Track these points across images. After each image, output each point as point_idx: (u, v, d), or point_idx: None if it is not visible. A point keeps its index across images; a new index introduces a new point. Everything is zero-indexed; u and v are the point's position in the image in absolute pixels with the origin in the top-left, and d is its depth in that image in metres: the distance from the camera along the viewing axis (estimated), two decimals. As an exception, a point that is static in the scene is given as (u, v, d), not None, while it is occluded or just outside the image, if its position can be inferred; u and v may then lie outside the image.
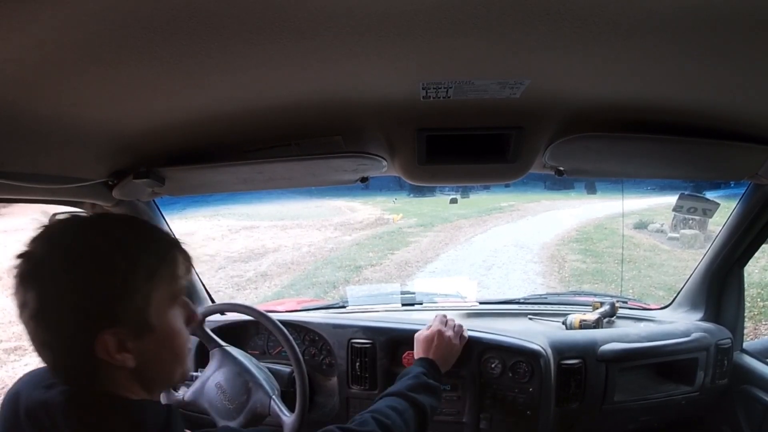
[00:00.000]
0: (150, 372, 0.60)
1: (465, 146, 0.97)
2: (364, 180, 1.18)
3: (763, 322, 4.51)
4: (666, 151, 1.00)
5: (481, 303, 1.75)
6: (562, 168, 1.10)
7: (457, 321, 1.27)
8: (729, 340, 1.40)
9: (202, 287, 1.64)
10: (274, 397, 1.25)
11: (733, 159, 1.03)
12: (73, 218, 0.59)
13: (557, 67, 0.66)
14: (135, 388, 0.59)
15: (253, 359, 1.34)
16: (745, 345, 1.47)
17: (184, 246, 0.64)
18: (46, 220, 0.57)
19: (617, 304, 1.60)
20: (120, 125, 0.82)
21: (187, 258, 0.64)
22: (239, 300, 4.43)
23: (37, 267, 0.54)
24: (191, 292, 1.59)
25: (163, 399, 1.32)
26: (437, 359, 1.14)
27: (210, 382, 1.27)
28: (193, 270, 0.63)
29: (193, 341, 1.45)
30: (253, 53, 0.58)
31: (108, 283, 0.54)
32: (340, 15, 0.50)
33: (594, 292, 3.08)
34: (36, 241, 0.56)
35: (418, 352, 1.19)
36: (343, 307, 1.73)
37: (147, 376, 0.60)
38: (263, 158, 0.99)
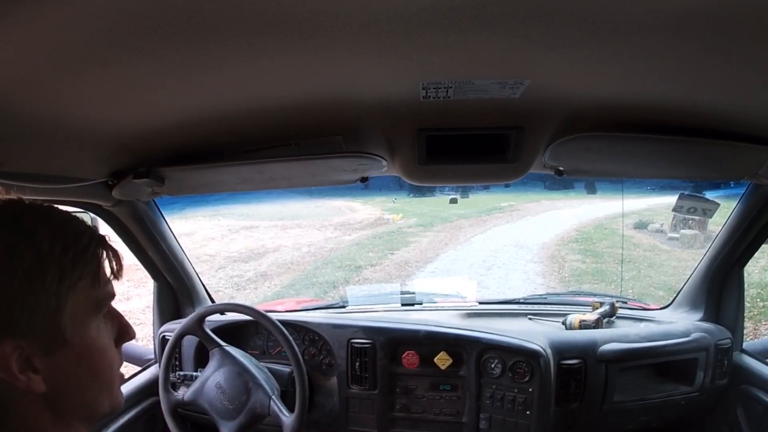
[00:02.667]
0: (65, 400, 0.47)
1: (465, 146, 0.97)
2: (363, 180, 1.18)
3: (763, 322, 4.51)
4: (666, 151, 1.00)
5: (480, 303, 1.75)
6: (562, 168, 1.10)
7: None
8: (729, 340, 1.40)
9: (202, 287, 1.64)
10: (273, 397, 1.25)
11: (733, 159, 1.03)
12: None
13: (557, 67, 0.66)
14: (47, 422, 0.46)
15: (253, 359, 1.34)
16: (744, 345, 1.47)
17: (111, 243, 0.52)
18: None
19: (617, 305, 1.60)
20: (120, 125, 0.82)
21: (116, 258, 0.52)
22: (239, 300, 4.44)
23: None
24: (191, 292, 1.59)
25: (163, 399, 1.32)
26: None
27: (210, 382, 1.27)
28: (122, 274, 0.53)
29: (193, 341, 1.45)
30: (253, 53, 0.58)
31: (7, 281, 0.43)
32: (340, 15, 0.50)
33: (594, 292, 3.09)
34: None
35: None
36: (343, 307, 1.73)
37: (62, 406, 0.47)
38: (263, 158, 0.99)
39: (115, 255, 0.52)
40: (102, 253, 0.50)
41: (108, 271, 0.51)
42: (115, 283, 0.52)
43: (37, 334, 0.44)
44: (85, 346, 0.48)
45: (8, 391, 0.44)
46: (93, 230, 0.51)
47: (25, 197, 0.50)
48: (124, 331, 0.54)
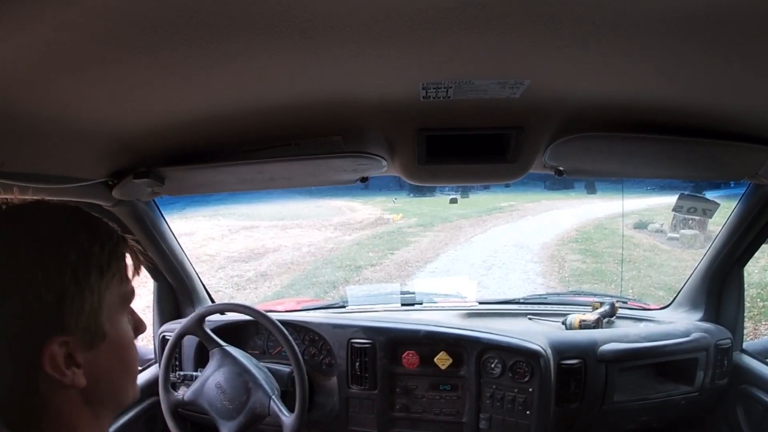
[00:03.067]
0: (101, 392, 0.49)
1: (465, 146, 0.97)
2: (364, 180, 1.18)
3: (763, 322, 4.51)
4: (666, 151, 1.00)
5: (480, 303, 1.75)
6: (562, 168, 1.10)
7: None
8: (729, 340, 1.40)
9: (202, 287, 1.64)
10: (273, 397, 1.25)
11: (733, 159, 1.03)
12: (9, 206, 0.48)
13: (557, 67, 0.66)
14: (82, 416, 0.48)
15: (253, 359, 1.34)
16: (744, 345, 1.47)
17: (132, 243, 0.56)
18: None
19: (617, 304, 1.60)
20: (120, 125, 0.82)
21: (136, 256, 0.55)
22: (239, 300, 4.44)
23: None
24: (191, 292, 1.59)
25: (163, 399, 1.32)
26: None
27: (210, 382, 1.27)
28: (140, 270, 0.56)
29: (193, 341, 1.45)
30: (253, 53, 0.58)
31: (57, 279, 0.45)
32: (340, 15, 0.50)
33: (594, 292, 3.09)
34: None
35: None
36: (343, 307, 1.73)
37: (97, 398, 0.49)
38: (263, 158, 0.99)
39: (135, 252, 0.55)
40: (125, 251, 0.53)
41: (131, 268, 0.54)
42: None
43: (82, 330, 0.46)
44: (118, 339, 0.50)
45: (50, 388, 0.45)
46: (117, 230, 0.54)
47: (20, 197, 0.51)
48: (138, 325, 0.56)
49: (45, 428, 0.46)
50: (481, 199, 11.95)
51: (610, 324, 1.56)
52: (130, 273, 0.54)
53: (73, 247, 0.47)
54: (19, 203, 0.49)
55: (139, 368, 1.53)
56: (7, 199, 0.49)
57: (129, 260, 0.54)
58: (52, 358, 0.44)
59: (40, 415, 0.46)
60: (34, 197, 0.51)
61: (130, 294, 0.53)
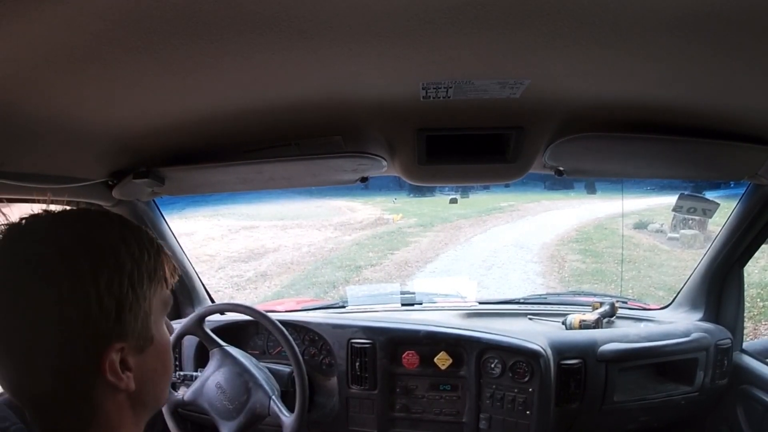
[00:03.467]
0: (145, 395, 0.51)
1: (465, 146, 0.97)
2: (363, 180, 1.18)
3: (763, 322, 4.51)
4: (666, 151, 1.00)
5: (480, 303, 1.75)
6: (562, 168, 1.10)
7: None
8: (729, 340, 1.40)
9: (202, 287, 1.64)
10: (273, 397, 1.25)
11: (733, 159, 1.03)
12: (58, 212, 0.51)
13: (557, 67, 0.66)
14: (127, 418, 0.50)
15: (253, 359, 1.34)
16: (744, 345, 1.47)
17: (166, 251, 0.57)
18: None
19: (617, 304, 1.60)
20: (120, 125, 0.82)
21: (171, 263, 0.56)
22: (239, 300, 4.43)
23: (21, 269, 0.44)
24: (191, 292, 1.59)
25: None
26: None
27: (210, 382, 1.27)
28: (176, 277, 0.57)
29: (193, 341, 1.45)
30: (253, 53, 0.58)
31: (117, 286, 0.46)
32: (340, 15, 0.50)
33: (594, 292, 3.08)
34: (13, 240, 0.45)
35: None
36: (343, 307, 1.73)
37: (141, 401, 0.51)
38: (263, 158, 0.99)
39: (169, 259, 0.56)
40: (164, 258, 0.55)
41: (169, 274, 0.55)
42: None
43: (136, 336, 0.48)
44: (162, 343, 0.53)
45: (102, 392, 0.47)
46: (156, 238, 0.55)
47: (30, 198, 0.52)
48: (169, 328, 0.58)
49: (97, 429, 0.47)
50: (481, 199, 11.95)
51: (610, 324, 1.56)
52: (168, 279, 0.55)
53: (128, 255, 0.48)
54: (64, 211, 0.52)
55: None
56: (45, 201, 0.52)
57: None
58: (111, 363, 0.46)
59: (89, 420, 0.47)
60: (80, 208, 0.53)
61: (169, 299, 0.55)
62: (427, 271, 7.08)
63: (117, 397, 0.48)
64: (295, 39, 0.54)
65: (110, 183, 1.04)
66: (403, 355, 1.35)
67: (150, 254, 0.51)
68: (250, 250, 8.49)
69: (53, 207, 0.52)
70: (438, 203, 11.75)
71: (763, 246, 1.40)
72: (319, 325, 1.44)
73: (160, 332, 0.53)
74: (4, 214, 0.48)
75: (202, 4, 0.46)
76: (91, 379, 0.46)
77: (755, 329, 4.36)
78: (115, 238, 0.49)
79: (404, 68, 0.65)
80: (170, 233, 1.45)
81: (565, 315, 1.56)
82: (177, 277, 0.57)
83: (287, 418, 1.22)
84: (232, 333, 1.47)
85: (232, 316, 1.48)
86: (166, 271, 0.54)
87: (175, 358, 1.45)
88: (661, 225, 8.37)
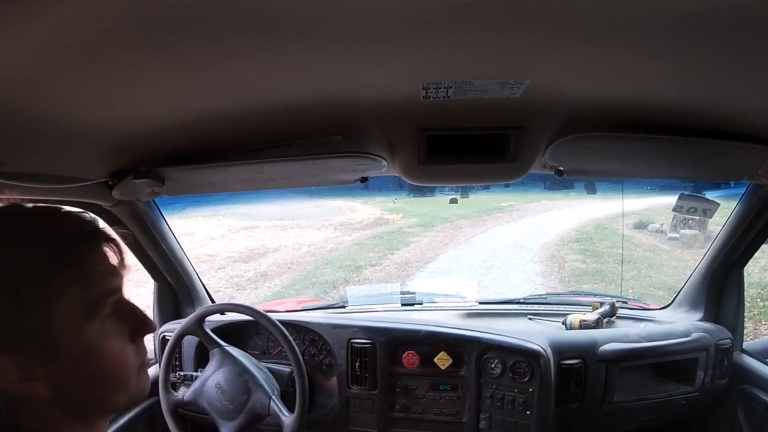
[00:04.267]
0: (75, 400, 0.46)
1: (465, 146, 0.97)
2: (363, 180, 1.18)
3: (763, 322, 4.51)
4: (666, 151, 1.00)
5: (480, 303, 1.75)
6: (562, 168, 1.10)
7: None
8: (729, 340, 1.40)
9: (202, 287, 1.64)
10: (273, 397, 1.25)
11: (733, 159, 1.03)
12: None
13: (557, 67, 0.66)
14: (64, 420, 0.45)
15: (253, 359, 1.34)
16: (744, 345, 1.47)
17: (108, 234, 0.48)
18: None
19: (617, 304, 1.60)
20: (120, 125, 0.82)
21: (114, 249, 0.48)
22: (239, 300, 4.43)
23: None
24: (191, 292, 1.59)
25: (163, 399, 1.32)
26: None
27: (210, 382, 1.27)
28: (126, 264, 0.49)
29: (193, 341, 1.45)
30: (253, 53, 0.58)
31: None
32: (340, 15, 0.50)
33: (594, 292, 3.08)
34: None
35: None
36: (343, 307, 1.73)
37: (74, 405, 0.46)
38: (263, 158, 0.99)
39: (113, 245, 0.48)
40: (94, 249, 0.46)
41: (104, 264, 0.47)
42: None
43: (31, 347, 0.42)
44: (82, 353, 0.45)
45: (19, 396, 0.43)
46: (81, 226, 0.47)
47: (30, 198, 0.49)
48: (140, 325, 0.50)
49: (31, 426, 0.44)
50: (481, 199, 11.96)
51: (610, 324, 1.56)
52: (104, 271, 0.47)
53: (3, 260, 0.41)
54: None
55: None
56: (44, 201, 0.46)
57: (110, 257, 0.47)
58: (1, 373, 0.42)
59: (20, 416, 0.44)
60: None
61: (101, 298, 0.46)
62: (427, 271, 7.09)
63: (31, 401, 0.44)
64: (295, 39, 0.54)
65: (110, 183, 1.04)
66: (403, 355, 1.35)
67: (44, 252, 0.43)
68: (250, 250, 8.49)
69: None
70: (438, 203, 11.76)
71: (763, 246, 1.40)
72: (319, 325, 1.44)
73: (80, 339, 0.44)
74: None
75: (202, 4, 0.46)
76: None
77: (755, 329, 4.36)
78: (7, 228, 0.43)
79: (404, 68, 0.65)
80: (170, 233, 1.45)
81: (565, 315, 1.56)
82: (126, 272, 0.49)
83: (287, 418, 1.22)
84: (232, 333, 1.47)
85: (232, 316, 1.48)
86: (91, 267, 0.46)
87: (175, 359, 1.45)
88: (661, 225, 8.37)
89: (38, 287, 0.42)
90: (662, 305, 1.67)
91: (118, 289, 0.48)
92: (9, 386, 0.42)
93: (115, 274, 0.48)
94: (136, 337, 0.50)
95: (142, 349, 0.51)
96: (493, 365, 1.30)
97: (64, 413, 0.45)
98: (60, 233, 0.45)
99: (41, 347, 0.43)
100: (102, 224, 0.50)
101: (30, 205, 0.47)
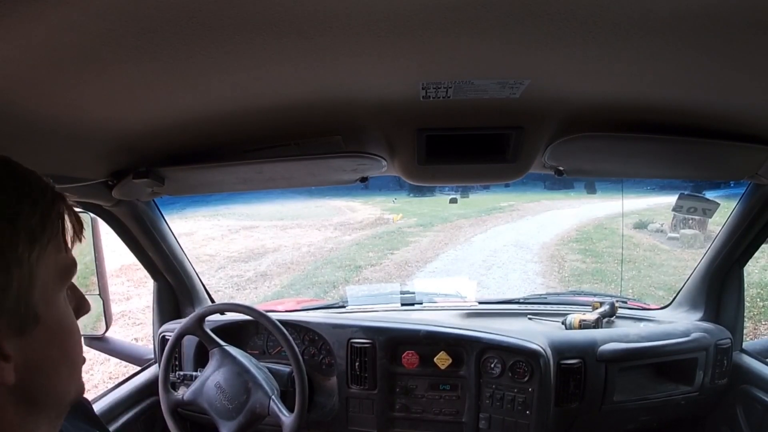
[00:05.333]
0: (35, 389, 0.39)
1: (465, 146, 0.97)
2: (363, 180, 1.18)
3: (763, 322, 4.51)
4: (666, 151, 1.01)
5: (480, 303, 1.75)
6: (561, 168, 1.10)
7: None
8: (729, 340, 1.40)
9: (202, 287, 1.64)
10: (273, 397, 1.25)
11: (733, 159, 1.03)
12: None
13: (557, 67, 0.66)
14: (13, 418, 0.38)
15: (253, 359, 1.34)
16: (744, 345, 1.47)
17: (71, 202, 0.45)
18: None
19: (617, 304, 1.60)
20: (120, 125, 0.82)
21: (77, 218, 0.44)
22: (239, 300, 4.44)
23: None
24: (191, 292, 1.59)
25: (162, 399, 1.32)
26: None
27: (209, 382, 1.27)
28: (82, 236, 0.45)
29: (193, 341, 1.45)
30: (253, 53, 0.58)
31: None
32: (340, 15, 0.50)
33: (594, 292, 3.09)
34: None
35: None
36: (343, 306, 1.73)
37: (31, 396, 0.39)
38: (263, 158, 0.99)
39: (75, 214, 0.44)
40: (64, 212, 0.43)
41: (71, 233, 0.43)
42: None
43: (9, 314, 0.37)
44: (56, 322, 0.41)
45: None
46: (53, 186, 0.43)
47: None
48: (81, 304, 0.46)
49: None
50: (481, 199, 11.96)
51: (609, 324, 1.56)
52: (69, 239, 0.43)
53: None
54: None
55: (139, 368, 1.54)
56: None
57: (68, 224, 0.43)
58: None
59: None
60: None
61: (70, 266, 0.43)
62: (427, 271, 7.09)
63: None
64: (295, 39, 0.54)
65: (110, 183, 1.04)
66: (403, 355, 1.35)
67: (36, 207, 0.39)
68: (250, 250, 8.50)
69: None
70: (438, 203, 11.77)
71: (763, 246, 1.40)
72: (319, 324, 1.44)
73: (54, 309, 0.40)
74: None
75: (202, 4, 0.46)
76: None
77: (755, 329, 4.36)
78: None
79: (404, 68, 0.65)
80: (170, 233, 1.45)
81: (565, 315, 1.56)
82: (82, 239, 0.45)
83: (287, 418, 1.22)
84: (232, 333, 1.47)
85: (232, 316, 1.49)
86: (64, 230, 0.42)
87: (175, 358, 1.45)
88: (661, 225, 8.38)
89: (29, 241, 0.38)
90: (662, 305, 1.67)
91: (76, 262, 0.45)
92: None
93: (76, 241, 0.45)
94: (78, 316, 0.46)
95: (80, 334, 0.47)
96: (492, 365, 1.30)
97: (19, 408, 0.39)
98: (43, 187, 0.42)
99: (20, 313, 0.37)
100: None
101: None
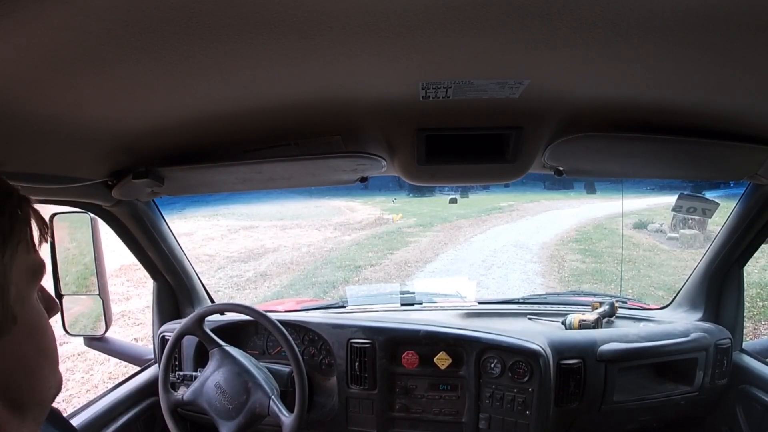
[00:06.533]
0: (20, 387, 0.40)
1: (464, 146, 0.97)
2: (363, 180, 1.18)
3: (763, 322, 4.52)
4: (666, 151, 1.01)
5: (480, 303, 1.75)
6: (561, 168, 1.10)
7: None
8: (728, 340, 1.40)
9: (202, 287, 1.64)
10: (273, 397, 1.25)
11: (733, 159, 1.03)
12: None
13: (557, 67, 0.66)
14: (4, 416, 0.39)
15: (253, 359, 1.34)
16: (744, 345, 1.47)
17: (35, 204, 0.45)
18: None
19: (617, 304, 1.60)
20: (120, 125, 0.82)
21: (41, 220, 0.45)
22: (239, 300, 4.44)
23: None
24: (191, 292, 1.59)
25: (162, 399, 1.32)
26: None
27: (209, 382, 1.27)
28: (47, 238, 0.46)
29: (192, 341, 1.45)
30: (253, 53, 0.58)
31: None
32: (340, 15, 0.50)
33: (593, 292, 3.09)
34: None
35: None
36: (343, 307, 1.73)
37: (16, 396, 0.40)
38: (263, 158, 0.99)
39: (39, 216, 0.45)
40: (32, 212, 0.44)
41: (37, 234, 0.44)
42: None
43: None
44: (32, 321, 0.41)
45: None
46: (17, 188, 0.44)
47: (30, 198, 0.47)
48: (50, 305, 0.46)
49: None
50: (480, 199, 11.98)
51: (609, 324, 1.56)
52: (36, 240, 0.44)
53: None
54: None
55: (139, 368, 1.54)
56: (43, 201, 0.43)
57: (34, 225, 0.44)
58: None
59: None
60: None
61: (40, 266, 0.44)
62: (427, 271, 7.10)
63: None
64: (295, 39, 0.54)
65: (110, 183, 1.04)
66: (403, 355, 1.35)
67: (3, 209, 0.40)
68: (249, 250, 8.50)
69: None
70: (438, 203, 11.78)
71: (763, 246, 1.40)
72: (319, 325, 1.44)
73: (29, 308, 0.41)
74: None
75: (201, 4, 0.46)
76: None
77: (755, 329, 4.37)
78: None
79: (403, 68, 0.65)
80: (170, 233, 1.45)
81: (564, 315, 1.56)
82: (47, 239, 0.46)
83: (287, 418, 1.22)
84: (231, 333, 1.47)
85: (231, 316, 1.48)
86: (31, 229, 0.43)
87: (175, 358, 1.45)
88: (661, 225, 8.39)
89: (2, 240, 0.38)
90: (662, 305, 1.67)
91: (44, 263, 0.45)
92: None
93: (42, 242, 0.45)
94: (49, 315, 0.46)
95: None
96: (492, 365, 1.30)
97: (6, 407, 0.39)
98: (8, 190, 0.42)
99: (1, 316, 0.38)
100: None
101: None
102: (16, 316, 0.39)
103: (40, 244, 0.45)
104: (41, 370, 0.42)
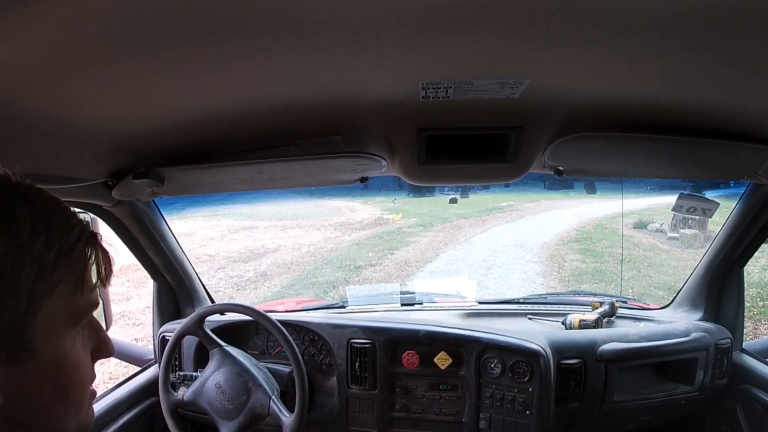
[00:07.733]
0: (26, 416, 0.39)
1: (464, 146, 0.97)
2: (363, 180, 1.18)
3: (763, 322, 4.52)
4: (666, 151, 1.01)
5: (480, 303, 1.75)
6: (561, 168, 1.10)
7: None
8: (729, 340, 1.40)
9: (202, 287, 1.64)
10: (273, 397, 1.25)
11: (733, 159, 1.03)
12: None
13: (557, 67, 0.66)
14: None
15: (253, 359, 1.34)
16: (744, 345, 1.47)
17: (104, 244, 0.44)
18: None
19: (617, 304, 1.60)
20: (120, 125, 0.82)
21: (106, 262, 0.44)
22: (239, 300, 4.44)
23: None
24: (191, 292, 1.59)
25: (162, 399, 1.32)
26: None
27: (210, 382, 1.27)
28: (110, 280, 0.45)
29: (193, 341, 1.45)
30: (253, 53, 0.58)
31: None
32: (340, 15, 0.50)
33: (593, 292, 3.09)
34: None
35: None
36: (343, 307, 1.73)
37: (22, 422, 0.39)
38: (263, 158, 0.99)
39: (105, 257, 0.44)
40: (91, 254, 0.42)
41: (95, 276, 0.43)
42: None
43: (3, 343, 0.36)
44: (55, 361, 0.40)
45: None
46: (84, 225, 0.43)
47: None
48: (102, 345, 0.46)
49: None
50: (480, 199, 11.97)
51: (609, 324, 1.56)
52: (93, 282, 0.43)
53: (3, 235, 0.36)
54: None
55: (139, 368, 1.54)
56: None
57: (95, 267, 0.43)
58: None
59: None
60: None
61: (86, 307, 0.42)
62: (427, 271, 7.10)
63: None
64: (295, 39, 0.54)
65: (110, 183, 1.04)
66: (403, 355, 1.35)
67: (52, 243, 0.38)
68: (249, 250, 8.50)
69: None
70: (438, 203, 11.78)
71: (763, 246, 1.40)
72: (319, 325, 1.44)
73: (56, 346, 0.39)
74: None
75: (201, 4, 0.46)
76: None
77: (755, 329, 4.37)
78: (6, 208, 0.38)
79: (403, 68, 0.65)
80: (170, 233, 1.45)
81: (564, 315, 1.56)
82: (109, 282, 0.45)
83: (287, 418, 1.22)
84: (232, 333, 1.47)
85: (232, 317, 1.49)
86: (86, 271, 0.42)
87: (175, 359, 1.45)
88: (661, 224, 8.39)
89: (36, 274, 0.37)
90: (662, 305, 1.67)
91: (98, 303, 0.44)
92: None
93: (100, 286, 0.44)
94: (96, 357, 0.46)
95: (94, 373, 0.46)
96: (492, 365, 1.30)
97: (9, 427, 0.38)
98: (69, 225, 0.41)
99: (12, 342, 0.37)
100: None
101: (28, 182, 0.43)
102: (35, 350, 0.38)
103: (103, 285, 0.43)
104: (56, 410, 0.41)
